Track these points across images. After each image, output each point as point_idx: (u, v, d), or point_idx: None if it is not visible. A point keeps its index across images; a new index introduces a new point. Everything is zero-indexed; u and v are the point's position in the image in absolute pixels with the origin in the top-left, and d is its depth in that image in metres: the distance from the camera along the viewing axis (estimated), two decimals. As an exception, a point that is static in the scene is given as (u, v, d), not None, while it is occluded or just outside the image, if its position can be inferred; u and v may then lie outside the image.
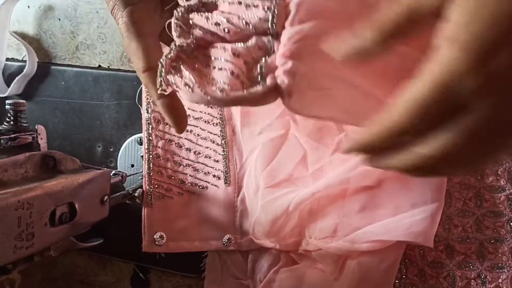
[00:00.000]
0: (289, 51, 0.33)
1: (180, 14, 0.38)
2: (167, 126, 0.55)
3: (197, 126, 0.55)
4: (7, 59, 0.65)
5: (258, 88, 0.34)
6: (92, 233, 0.50)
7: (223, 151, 0.54)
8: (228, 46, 0.36)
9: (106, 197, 0.50)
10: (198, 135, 0.55)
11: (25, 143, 0.49)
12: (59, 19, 0.62)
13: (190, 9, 0.38)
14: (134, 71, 0.58)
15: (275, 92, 0.34)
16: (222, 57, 0.36)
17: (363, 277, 0.47)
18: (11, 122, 0.50)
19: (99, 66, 0.61)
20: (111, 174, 0.52)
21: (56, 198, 0.44)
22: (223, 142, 0.54)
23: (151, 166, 0.54)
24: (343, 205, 0.48)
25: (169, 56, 0.37)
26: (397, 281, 0.49)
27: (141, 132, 0.56)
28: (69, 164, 0.48)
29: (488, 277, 0.47)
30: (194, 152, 0.55)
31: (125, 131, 0.59)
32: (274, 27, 0.34)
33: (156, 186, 0.54)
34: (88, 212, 0.48)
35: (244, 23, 0.35)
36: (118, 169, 0.58)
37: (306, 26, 0.33)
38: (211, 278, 0.55)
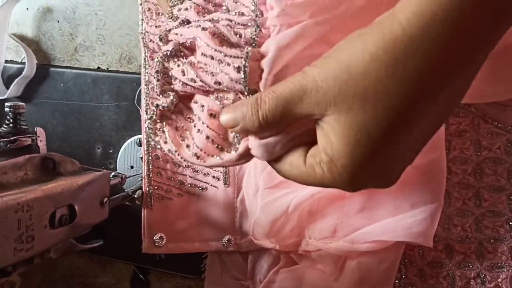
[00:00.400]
0: None
1: (159, 63, 0.39)
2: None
3: (196, 127, 0.55)
4: (6, 61, 0.65)
5: (232, 154, 0.36)
6: (92, 234, 0.50)
7: (223, 151, 0.54)
8: (206, 103, 0.37)
9: (105, 199, 0.50)
10: (197, 136, 0.55)
11: (24, 145, 0.49)
12: (58, 21, 0.62)
13: (167, 57, 0.38)
14: (133, 73, 0.58)
15: (249, 155, 0.35)
16: (200, 117, 0.38)
17: (363, 277, 0.47)
18: (11, 125, 0.50)
19: (98, 67, 0.61)
20: (111, 176, 0.52)
21: (56, 200, 0.44)
22: None
23: (150, 167, 0.54)
24: (342, 205, 0.48)
25: (153, 118, 0.39)
26: (396, 281, 0.49)
27: (140, 134, 0.56)
28: (69, 166, 0.48)
29: (487, 276, 0.47)
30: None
31: (124, 132, 0.59)
32: (246, 88, 0.35)
33: (155, 187, 0.54)
34: (87, 214, 0.47)
35: (216, 82, 0.36)
36: (118, 171, 0.58)
37: None
38: (211, 279, 0.55)
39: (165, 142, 0.40)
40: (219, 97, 0.37)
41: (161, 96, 0.40)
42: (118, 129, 0.60)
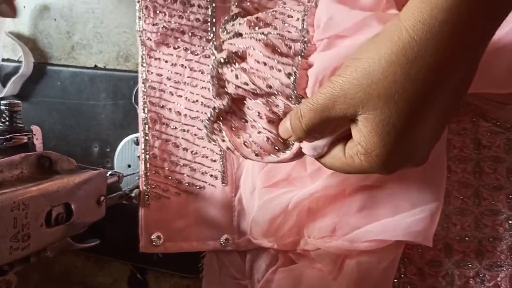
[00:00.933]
0: None
1: (214, 69, 0.45)
2: (164, 125, 0.55)
3: (194, 126, 0.55)
4: (3, 60, 0.64)
5: (287, 154, 0.42)
6: (89, 233, 0.50)
7: (220, 150, 0.54)
8: (261, 110, 0.43)
9: (102, 198, 0.49)
10: (195, 134, 0.55)
11: (20, 143, 0.49)
12: (55, 19, 0.62)
13: (221, 63, 0.44)
14: (131, 71, 0.58)
15: (301, 154, 0.41)
16: (259, 122, 0.44)
17: (362, 277, 0.47)
18: (7, 123, 0.49)
19: (95, 66, 0.60)
20: (108, 175, 0.51)
21: (52, 199, 0.43)
22: None
23: (147, 166, 0.54)
24: (342, 204, 0.48)
25: (211, 119, 0.45)
26: (396, 281, 0.49)
27: (138, 132, 0.56)
28: (65, 164, 0.48)
29: (486, 275, 0.47)
30: (191, 152, 0.55)
31: (121, 131, 0.59)
32: (295, 92, 0.41)
33: (153, 186, 0.54)
34: (84, 212, 0.47)
35: (267, 86, 0.42)
36: (115, 170, 0.58)
37: None
38: (209, 279, 0.55)
39: (223, 140, 0.45)
40: (268, 102, 0.43)
41: (217, 98, 0.45)
42: (115, 127, 0.59)
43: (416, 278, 0.49)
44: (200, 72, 0.54)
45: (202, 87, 0.54)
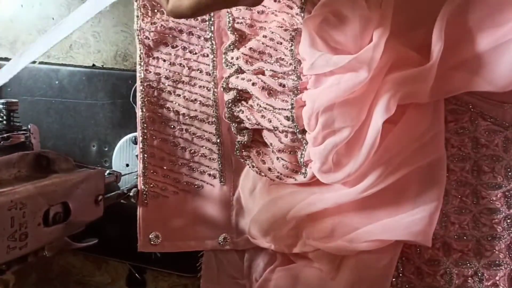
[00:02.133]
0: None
1: (228, 111, 0.51)
2: (162, 125, 0.55)
3: (192, 125, 0.55)
4: (0, 59, 0.64)
5: (304, 177, 0.50)
6: (87, 233, 0.50)
7: (219, 149, 0.54)
8: (274, 142, 0.50)
9: (100, 197, 0.49)
10: (193, 133, 0.55)
11: (18, 142, 0.49)
12: (53, 18, 0.62)
13: (231, 104, 0.51)
14: (129, 70, 0.58)
15: (315, 176, 0.48)
16: (275, 151, 0.50)
17: (360, 276, 0.47)
18: (4, 122, 0.50)
19: (93, 65, 0.60)
20: (106, 174, 0.51)
21: (50, 198, 0.43)
22: (218, 140, 0.54)
23: (146, 165, 0.54)
24: (341, 205, 0.48)
25: (237, 153, 0.52)
26: (394, 280, 0.49)
27: (136, 131, 0.56)
28: (63, 163, 0.48)
29: (485, 274, 0.47)
30: (190, 151, 0.55)
31: (119, 130, 0.59)
32: (297, 130, 0.48)
33: (151, 185, 0.54)
34: (82, 211, 0.47)
35: (273, 127, 0.49)
36: (113, 169, 0.58)
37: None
38: (207, 278, 0.55)
39: (253, 166, 0.52)
40: (276, 135, 0.50)
41: (239, 135, 0.52)
42: (113, 126, 0.59)
43: (414, 277, 0.49)
44: (199, 71, 0.54)
45: (201, 86, 0.54)
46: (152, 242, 0.53)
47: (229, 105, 0.51)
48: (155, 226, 0.54)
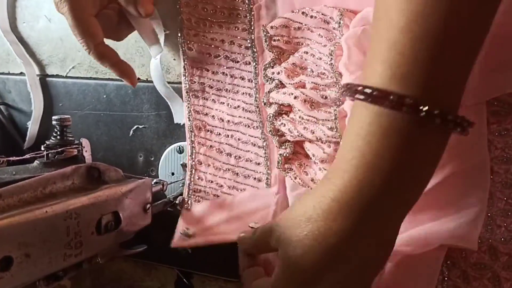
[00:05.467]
0: None
1: (270, 125, 0.52)
2: (209, 132, 0.56)
3: (237, 131, 0.56)
4: (51, 76, 0.68)
5: None
6: (136, 240, 0.52)
7: (265, 153, 0.55)
8: (317, 153, 0.49)
9: (148, 205, 0.51)
10: (238, 139, 0.56)
11: (71, 156, 0.51)
12: (100, 35, 0.64)
13: (273, 119, 0.52)
14: (172, 82, 0.60)
15: None
16: (318, 162, 0.49)
17: (404, 280, 0.46)
18: (58, 137, 0.52)
19: (138, 78, 0.62)
20: (153, 183, 0.53)
21: (101, 208, 0.45)
22: (264, 144, 0.55)
23: (193, 172, 0.56)
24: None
25: (279, 166, 0.52)
26: (439, 284, 0.48)
27: (180, 141, 0.57)
28: (113, 174, 0.50)
29: (535, 278, 0.46)
30: (235, 157, 0.56)
31: (164, 140, 0.61)
32: (341, 139, 0.46)
33: (195, 191, 0.56)
34: (131, 220, 0.49)
35: (316, 137, 0.49)
36: (159, 178, 0.60)
37: None
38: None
39: (295, 177, 0.51)
40: (319, 146, 0.49)
41: (281, 148, 0.52)
42: (158, 137, 0.61)
43: (460, 281, 0.48)
44: (241, 79, 0.56)
45: (243, 93, 0.55)
46: (186, 237, 0.54)
47: (271, 119, 0.51)
48: (190, 223, 0.55)
